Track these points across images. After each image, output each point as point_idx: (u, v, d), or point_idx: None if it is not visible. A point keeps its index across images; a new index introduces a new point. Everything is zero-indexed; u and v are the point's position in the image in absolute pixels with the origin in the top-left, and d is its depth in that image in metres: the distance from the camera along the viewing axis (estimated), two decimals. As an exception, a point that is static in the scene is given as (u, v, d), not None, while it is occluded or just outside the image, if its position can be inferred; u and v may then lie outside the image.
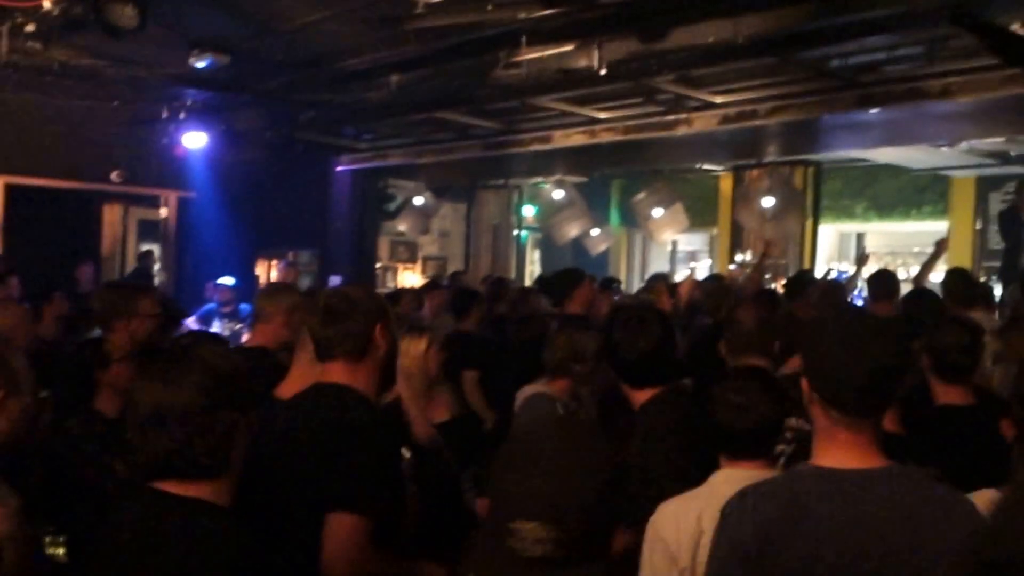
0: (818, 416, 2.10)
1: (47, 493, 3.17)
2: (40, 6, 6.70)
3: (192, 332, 6.12)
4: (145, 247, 13.69)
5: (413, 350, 4.19)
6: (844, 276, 12.28)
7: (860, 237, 13.40)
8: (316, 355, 3.00)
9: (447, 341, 4.73)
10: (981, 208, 11.57)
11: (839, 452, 2.04)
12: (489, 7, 6.30)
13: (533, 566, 1.82)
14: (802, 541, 1.96)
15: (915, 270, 11.98)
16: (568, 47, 7.01)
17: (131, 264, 13.59)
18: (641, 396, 3.40)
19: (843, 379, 2.03)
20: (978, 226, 11.59)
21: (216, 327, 9.36)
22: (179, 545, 2.06)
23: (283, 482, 2.74)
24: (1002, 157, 10.13)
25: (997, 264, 10.37)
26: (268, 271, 13.03)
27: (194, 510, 2.12)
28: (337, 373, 2.91)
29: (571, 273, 6.98)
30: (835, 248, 13.36)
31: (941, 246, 8.34)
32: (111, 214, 13.66)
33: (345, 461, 2.69)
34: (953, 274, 6.77)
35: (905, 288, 7.06)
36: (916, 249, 12.63)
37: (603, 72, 6.98)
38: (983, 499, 2.02)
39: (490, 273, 12.92)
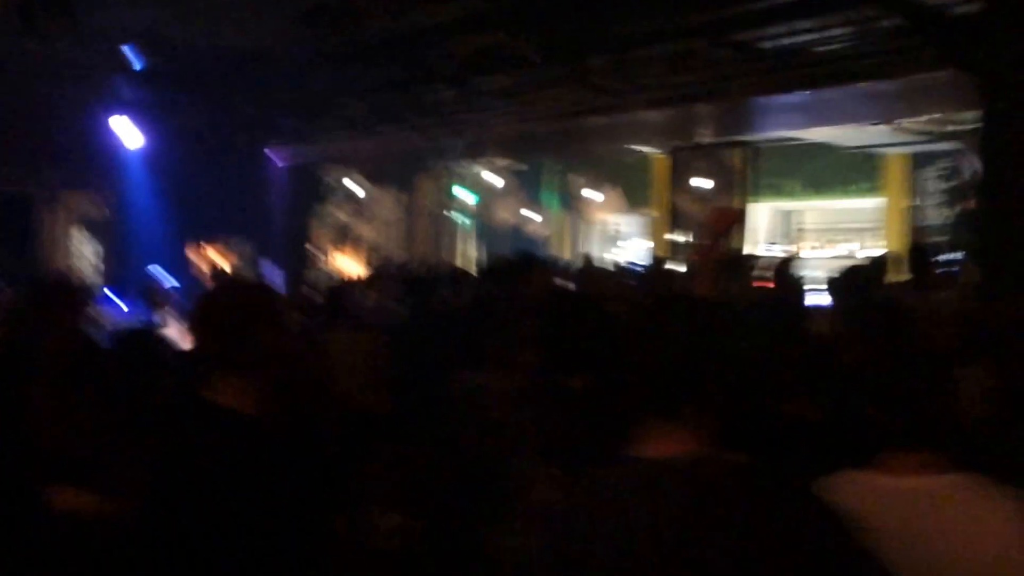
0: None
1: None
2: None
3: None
4: (84, 244, 13.54)
5: (359, 346, 4.07)
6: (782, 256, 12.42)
7: (797, 215, 13.51)
8: None
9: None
10: (914, 184, 11.70)
11: (651, 440, 1.95)
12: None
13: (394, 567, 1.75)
14: (603, 527, 1.91)
15: (853, 246, 12.23)
16: (502, 34, 6.96)
17: (71, 263, 13.27)
18: (575, 384, 3.29)
19: (642, 371, 1.95)
20: (913, 202, 11.73)
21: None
22: None
23: None
24: (932, 134, 10.23)
25: (931, 240, 10.47)
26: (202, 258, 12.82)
27: None
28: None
29: (525, 257, 6.88)
30: (772, 227, 13.44)
31: None
32: (49, 214, 13.39)
33: None
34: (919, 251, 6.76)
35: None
36: (855, 226, 12.75)
37: (537, 59, 6.95)
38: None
39: (428, 260, 12.86)
